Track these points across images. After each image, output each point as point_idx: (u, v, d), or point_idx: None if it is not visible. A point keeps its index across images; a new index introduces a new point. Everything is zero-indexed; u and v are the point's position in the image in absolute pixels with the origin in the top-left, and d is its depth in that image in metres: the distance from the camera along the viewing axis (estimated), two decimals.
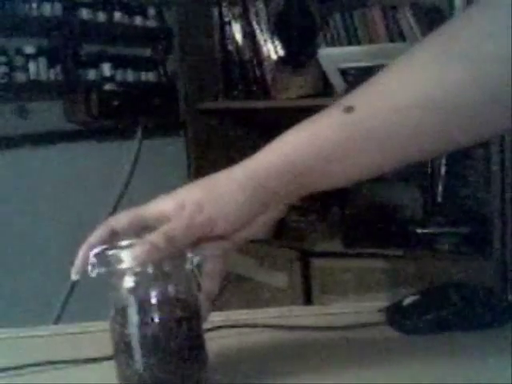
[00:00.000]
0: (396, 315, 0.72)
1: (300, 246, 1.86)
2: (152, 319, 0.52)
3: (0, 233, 1.87)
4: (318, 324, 0.70)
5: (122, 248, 0.53)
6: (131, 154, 2.20)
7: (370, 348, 0.66)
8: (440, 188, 1.88)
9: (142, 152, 2.23)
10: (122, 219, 0.56)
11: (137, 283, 0.52)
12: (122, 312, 0.53)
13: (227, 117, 2.33)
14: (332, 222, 1.92)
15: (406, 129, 0.54)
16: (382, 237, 1.77)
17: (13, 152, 1.94)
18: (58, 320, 0.83)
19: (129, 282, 0.53)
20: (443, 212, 1.84)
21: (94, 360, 0.64)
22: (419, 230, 1.77)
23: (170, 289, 0.54)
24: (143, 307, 0.53)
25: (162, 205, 0.56)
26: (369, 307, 0.75)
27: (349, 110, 0.54)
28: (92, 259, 0.53)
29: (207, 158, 2.25)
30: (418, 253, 1.74)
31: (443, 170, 1.87)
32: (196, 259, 0.54)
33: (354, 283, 1.75)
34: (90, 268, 0.53)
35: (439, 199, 1.88)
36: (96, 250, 0.53)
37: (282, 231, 1.92)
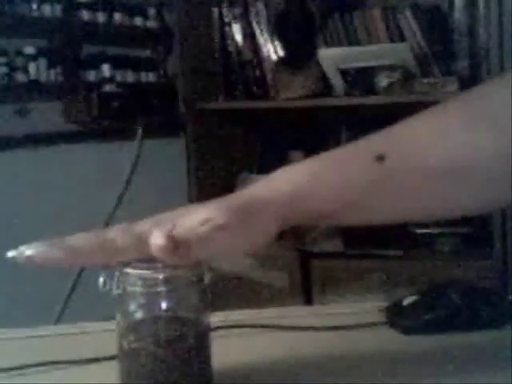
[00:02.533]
0: (396, 315, 0.72)
1: (300, 247, 1.86)
2: (160, 337, 0.52)
3: (0, 233, 1.87)
4: (318, 324, 0.70)
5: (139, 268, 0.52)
6: (131, 154, 2.19)
7: (370, 348, 0.66)
8: None
9: (142, 153, 2.22)
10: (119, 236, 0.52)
11: (147, 300, 0.52)
12: (131, 327, 0.53)
13: (227, 117, 2.33)
14: None
15: (434, 189, 0.54)
16: (382, 237, 1.77)
17: (13, 152, 1.94)
18: (58, 320, 0.83)
19: (139, 298, 0.52)
20: None
21: (95, 360, 0.64)
22: (419, 231, 1.77)
23: (180, 307, 0.53)
24: (152, 324, 0.52)
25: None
26: (368, 307, 0.75)
27: (380, 158, 0.53)
28: (117, 275, 0.52)
29: (207, 159, 2.25)
30: (418, 253, 1.74)
31: None
32: (208, 277, 0.53)
33: (354, 284, 1.75)
34: (101, 283, 0.52)
35: None
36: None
37: (281, 232, 1.92)
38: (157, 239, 0.49)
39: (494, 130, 0.52)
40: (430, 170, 0.53)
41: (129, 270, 0.51)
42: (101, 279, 0.52)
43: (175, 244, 0.49)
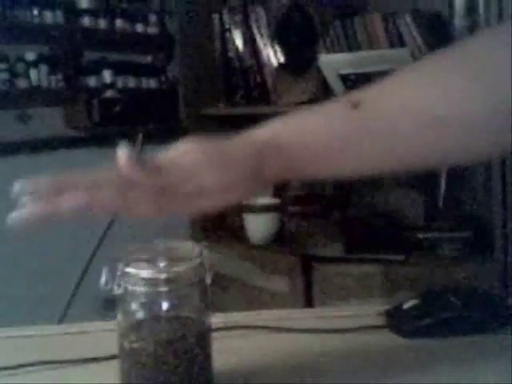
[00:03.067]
0: (396, 319, 0.72)
1: (301, 251, 1.85)
2: (161, 337, 0.52)
3: (2, 236, 1.88)
4: (318, 327, 0.70)
5: (139, 267, 0.52)
6: None
7: (370, 351, 0.66)
8: (441, 193, 1.88)
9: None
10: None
11: (148, 300, 0.52)
12: (132, 327, 0.53)
13: (228, 123, 2.34)
14: (333, 227, 1.92)
15: (408, 136, 0.54)
16: (383, 242, 1.77)
17: (14, 158, 1.95)
18: (61, 320, 0.84)
19: (141, 298, 0.52)
20: (444, 217, 1.84)
21: (95, 360, 0.64)
22: (420, 235, 1.76)
23: (181, 307, 0.53)
24: (154, 324, 0.52)
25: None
26: (369, 311, 0.75)
27: (355, 105, 0.54)
28: (105, 274, 0.52)
29: None
30: (420, 258, 1.74)
31: (444, 174, 1.87)
32: (209, 277, 0.53)
33: (355, 288, 1.75)
34: (102, 282, 0.52)
35: (440, 204, 1.88)
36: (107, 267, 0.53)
37: (282, 236, 1.92)
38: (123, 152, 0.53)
39: (485, 83, 0.53)
40: (408, 117, 0.54)
41: (130, 270, 0.51)
42: (103, 279, 0.52)
43: (140, 161, 0.52)
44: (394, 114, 0.55)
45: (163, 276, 0.51)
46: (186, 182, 0.53)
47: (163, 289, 0.52)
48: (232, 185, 0.54)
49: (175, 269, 0.52)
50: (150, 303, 0.52)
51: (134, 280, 0.51)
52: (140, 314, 0.53)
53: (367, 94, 0.56)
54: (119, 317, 0.53)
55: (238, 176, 0.54)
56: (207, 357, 0.54)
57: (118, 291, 0.52)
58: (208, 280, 0.53)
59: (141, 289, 0.52)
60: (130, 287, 0.52)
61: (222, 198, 0.55)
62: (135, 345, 0.52)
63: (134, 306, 0.52)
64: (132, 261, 0.52)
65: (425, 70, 0.57)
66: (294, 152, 0.55)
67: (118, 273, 0.52)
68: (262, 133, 0.56)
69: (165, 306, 0.52)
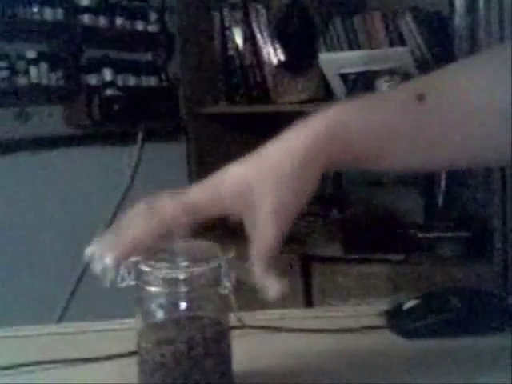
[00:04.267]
0: (396, 319, 0.72)
1: (301, 251, 1.85)
2: (180, 337, 0.51)
3: (2, 235, 1.88)
4: (318, 327, 0.70)
5: (160, 265, 0.51)
6: (132, 158, 2.20)
7: (370, 351, 0.65)
8: (441, 192, 1.88)
9: (142, 156, 2.23)
10: (174, 212, 0.50)
11: (167, 300, 0.52)
12: (150, 327, 0.52)
13: (228, 121, 2.33)
14: (332, 226, 1.92)
15: (472, 129, 0.54)
16: (383, 241, 1.77)
17: (14, 156, 1.94)
18: (60, 319, 0.83)
19: (160, 298, 0.52)
20: (444, 216, 1.84)
21: (96, 359, 0.64)
22: (420, 235, 1.76)
23: (200, 307, 0.52)
24: (172, 325, 0.52)
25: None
26: (369, 311, 0.75)
27: (420, 98, 0.54)
28: (124, 269, 0.51)
29: (208, 163, 2.25)
30: (420, 258, 1.74)
31: (444, 173, 1.87)
32: (233, 277, 0.52)
33: (354, 288, 1.75)
34: (119, 278, 0.51)
35: (440, 203, 1.88)
36: (132, 260, 0.51)
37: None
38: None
39: None
40: (474, 111, 0.54)
41: (149, 269, 0.51)
42: (119, 275, 0.51)
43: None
44: (459, 109, 0.54)
45: (183, 276, 0.50)
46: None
47: (183, 289, 0.51)
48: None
49: (195, 269, 0.51)
50: (169, 304, 0.52)
51: (153, 280, 0.51)
52: (159, 315, 0.52)
53: (432, 87, 0.55)
54: (137, 316, 0.53)
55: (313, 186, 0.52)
56: (227, 357, 0.54)
57: (121, 284, 0.51)
58: (232, 280, 0.52)
59: (160, 289, 0.51)
60: (148, 287, 0.51)
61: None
62: (153, 345, 0.52)
63: (152, 306, 0.52)
64: (151, 260, 0.51)
65: (486, 64, 0.57)
66: (357, 144, 0.53)
67: (122, 267, 0.51)
68: (320, 125, 0.53)
69: (184, 306, 0.52)
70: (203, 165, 2.26)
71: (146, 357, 0.52)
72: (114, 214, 1.97)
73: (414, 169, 0.58)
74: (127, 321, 0.74)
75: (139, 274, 0.51)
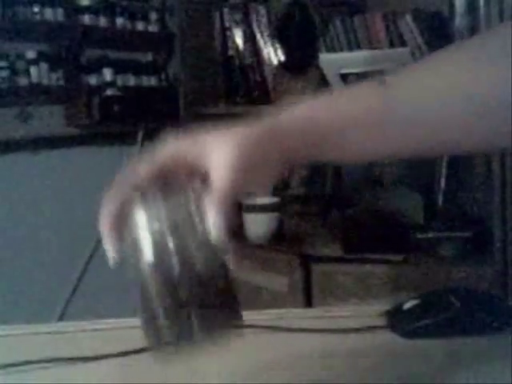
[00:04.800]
0: (396, 319, 0.72)
1: (300, 251, 1.85)
2: (174, 295, 0.49)
3: (2, 235, 1.88)
4: (318, 327, 0.70)
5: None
6: (132, 158, 2.19)
7: (370, 351, 0.66)
8: (441, 192, 1.88)
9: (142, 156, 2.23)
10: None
11: (157, 258, 0.50)
12: (142, 290, 0.50)
13: (228, 121, 2.33)
14: (332, 226, 1.92)
15: (435, 114, 0.55)
16: (383, 242, 1.77)
17: (14, 156, 1.95)
18: (61, 318, 0.83)
19: (148, 256, 0.50)
20: (444, 217, 1.84)
21: (96, 358, 0.64)
22: (420, 235, 1.76)
23: (194, 263, 0.50)
24: (165, 283, 0.50)
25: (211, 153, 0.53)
26: (369, 311, 0.75)
27: (382, 82, 0.55)
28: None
29: None
30: (419, 258, 1.74)
31: (444, 174, 1.87)
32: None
33: (354, 288, 1.75)
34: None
35: (440, 204, 1.88)
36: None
37: (281, 235, 1.92)
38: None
39: (498, 67, 0.53)
40: (436, 95, 0.54)
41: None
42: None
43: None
44: (419, 95, 0.55)
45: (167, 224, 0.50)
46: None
47: (170, 244, 0.50)
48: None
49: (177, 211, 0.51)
50: (159, 260, 0.50)
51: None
52: (149, 273, 0.50)
53: (394, 76, 0.57)
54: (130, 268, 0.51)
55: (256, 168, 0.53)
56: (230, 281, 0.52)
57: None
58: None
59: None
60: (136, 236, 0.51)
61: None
62: (148, 304, 0.50)
63: (141, 263, 0.50)
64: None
65: (453, 58, 0.58)
66: (320, 135, 0.54)
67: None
68: (295, 116, 0.55)
69: (174, 262, 0.49)
70: None
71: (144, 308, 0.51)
72: None
73: (380, 156, 0.59)
74: (127, 320, 0.74)
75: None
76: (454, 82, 0.55)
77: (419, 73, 0.57)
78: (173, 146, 0.55)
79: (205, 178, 0.52)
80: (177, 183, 0.53)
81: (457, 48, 0.60)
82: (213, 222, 0.50)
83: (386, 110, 0.54)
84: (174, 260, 0.50)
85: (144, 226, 0.51)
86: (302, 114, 0.55)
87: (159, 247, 0.50)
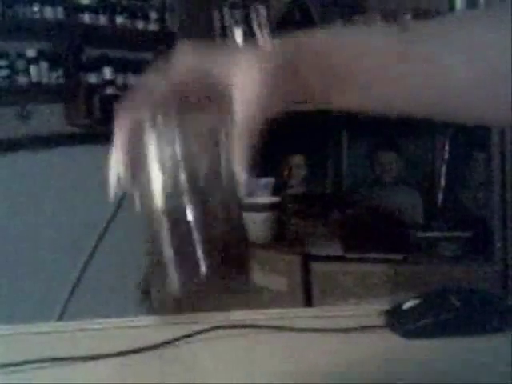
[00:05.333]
0: (396, 319, 0.72)
1: (300, 250, 1.85)
2: (185, 237, 0.46)
3: (2, 233, 1.88)
4: (318, 326, 0.70)
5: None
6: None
7: (370, 351, 0.65)
8: (441, 192, 1.88)
9: None
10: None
11: (169, 203, 0.47)
12: (156, 236, 0.47)
13: None
14: (332, 226, 1.92)
15: (458, 74, 0.52)
16: (383, 241, 1.77)
17: (14, 154, 1.94)
18: (60, 317, 0.83)
19: (160, 202, 0.47)
20: (444, 216, 1.84)
21: (96, 357, 0.64)
22: (420, 234, 1.76)
23: (208, 202, 0.47)
24: (178, 227, 0.47)
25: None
26: (369, 310, 0.75)
27: (404, 29, 0.53)
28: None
29: None
30: (419, 257, 1.74)
31: (444, 173, 1.87)
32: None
33: (354, 288, 1.75)
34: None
35: (440, 203, 1.88)
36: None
37: (281, 234, 1.92)
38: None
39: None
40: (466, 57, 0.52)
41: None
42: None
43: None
44: (438, 44, 0.52)
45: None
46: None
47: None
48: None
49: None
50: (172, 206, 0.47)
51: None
52: (162, 219, 0.47)
53: (416, 24, 0.55)
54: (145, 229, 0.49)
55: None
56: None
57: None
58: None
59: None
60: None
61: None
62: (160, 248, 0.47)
63: (155, 211, 0.47)
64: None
65: (473, 21, 0.55)
66: (333, 67, 0.51)
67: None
68: (302, 52, 0.50)
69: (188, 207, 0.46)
70: None
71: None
72: (114, 213, 1.96)
73: (392, 108, 0.56)
74: (127, 319, 0.74)
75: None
76: (481, 44, 0.52)
77: (444, 27, 0.54)
78: (191, 60, 0.49)
79: (223, 101, 0.48)
80: (193, 104, 0.48)
81: (483, 12, 0.59)
82: (239, 157, 0.46)
83: (406, 58, 0.51)
84: (187, 199, 0.46)
85: (155, 157, 0.47)
86: (321, 50, 0.50)
87: (171, 183, 0.47)
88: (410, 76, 0.52)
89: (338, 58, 0.51)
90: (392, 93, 0.53)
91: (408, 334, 0.69)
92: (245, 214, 0.53)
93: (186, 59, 0.49)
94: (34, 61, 1.98)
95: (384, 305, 0.74)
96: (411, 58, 0.52)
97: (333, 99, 0.53)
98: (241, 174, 0.46)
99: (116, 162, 0.49)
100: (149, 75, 0.49)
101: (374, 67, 0.52)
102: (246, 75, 0.48)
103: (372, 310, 0.74)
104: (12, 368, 0.62)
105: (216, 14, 2.28)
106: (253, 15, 2.23)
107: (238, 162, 0.46)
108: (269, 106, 0.48)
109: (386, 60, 0.52)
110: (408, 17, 1.98)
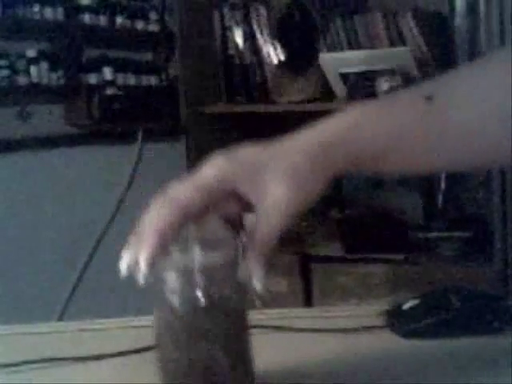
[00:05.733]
0: (396, 319, 0.72)
1: (300, 251, 1.86)
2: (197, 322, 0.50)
3: (2, 234, 1.88)
4: (318, 327, 0.70)
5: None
6: (132, 157, 2.20)
7: (370, 351, 0.65)
8: (441, 192, 1.88)
9: (142, 156, 2.23)
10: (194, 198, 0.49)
11: (183, 284, 0.50)
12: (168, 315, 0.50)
13: (228, 121, 2.33)
14: (332, 226, 1.92)
15: (481, 132, 0.54)
16: (383, 242, 1.77)
17: (14, 155, 1.94)
18: (61, 317, 0.83)
19: (173, 283, 0.50)
20: (444, 216, 1.84)
21: (97, 357, 0.64)
22: (420, 235, 1.77)
23: (215, 292, 0.50)
24: (190, 308, 0.50)
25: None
26: (369, 311, 0.75)
27: (429, 98, 0.54)
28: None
29: None
30: (419, 257, 1.74)
31: (443, 174, 1.87)
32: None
33: (354, 288, 1.75)
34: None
35: (440, 203, 1.88)
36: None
37: (282, 236, 1.92)
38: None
39: None
40: (483, 113, 0.54)
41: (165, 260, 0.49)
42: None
43: None
44: (470, 108, 0.54)
45: (198, 266, 0.49)
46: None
47: (198, 279, 0.49)
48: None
49: (211, 257, 0.49)
50: (184, 286, 0.49)
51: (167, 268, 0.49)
52: (173, 299, 0.50)
53: (440, 89, 0.56)
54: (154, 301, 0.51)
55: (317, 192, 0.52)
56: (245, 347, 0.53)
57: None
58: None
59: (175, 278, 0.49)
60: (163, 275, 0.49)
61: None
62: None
63: (166, 291, 0.50)
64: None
65: (494, 70, 0.57)
66: (370, 146, 0.52)
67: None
68: (336, 126, 0.53)
69: (198, 291, 0.49)
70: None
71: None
72: (114, 214, 1.97)
73: (420, 170, 0.58)
74: (127, 320, 0.74)
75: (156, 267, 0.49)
76: (492, 102, 0.54)
77: (465, 86, 0.56)
78: (219, 167, 0.51)
79: (246, 206, 0.50)
80: (218, 213, 0.50)
81: (495, 59, 0.59)
82: (254, 272, 0.49)
83: (436, 127, 0.54)
84: (200, 301, 0.49)
85: (175, 264, 0.49)
86: (347, 126, 0.52)
87: (186, 290, 0.49)
88: (440, 141, 0.54)
89: (370, 148, 0.52)
90: (429, 161, 0.55)
91: (408, 334, 0.69)
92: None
93: (215, 166, 0.52)
94: (35, 61, 1.98)
95: (384, 305, 0.74)
96: (442, 130, 0.54)
97: (363, 169, 0.55)
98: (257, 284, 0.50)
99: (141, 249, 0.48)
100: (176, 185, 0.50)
101: (406, 144, 0.53)
102: (273, 194, 0.49)
103: (372, 310, 0.74)
104: (12, 368, 0.62)
105: (216, 15, 2.28)
106: (253, 16, 2.23)
107: (253, 274, 0.49)
108: (288, 225, 0.50)
109: (417, 134, 0.54)
110: (408, 16, 1.98)
